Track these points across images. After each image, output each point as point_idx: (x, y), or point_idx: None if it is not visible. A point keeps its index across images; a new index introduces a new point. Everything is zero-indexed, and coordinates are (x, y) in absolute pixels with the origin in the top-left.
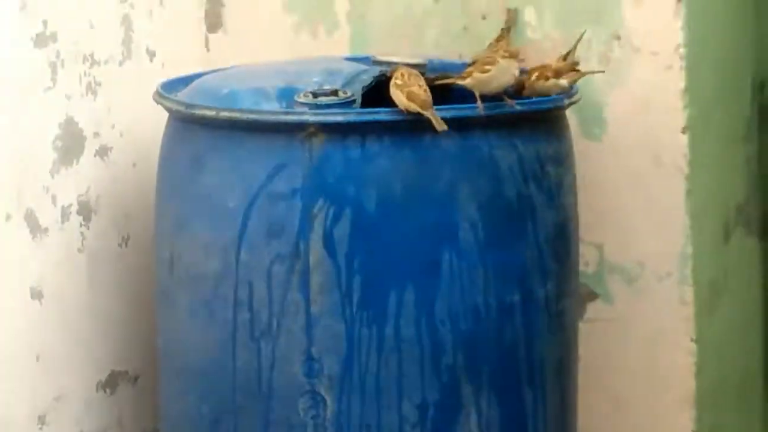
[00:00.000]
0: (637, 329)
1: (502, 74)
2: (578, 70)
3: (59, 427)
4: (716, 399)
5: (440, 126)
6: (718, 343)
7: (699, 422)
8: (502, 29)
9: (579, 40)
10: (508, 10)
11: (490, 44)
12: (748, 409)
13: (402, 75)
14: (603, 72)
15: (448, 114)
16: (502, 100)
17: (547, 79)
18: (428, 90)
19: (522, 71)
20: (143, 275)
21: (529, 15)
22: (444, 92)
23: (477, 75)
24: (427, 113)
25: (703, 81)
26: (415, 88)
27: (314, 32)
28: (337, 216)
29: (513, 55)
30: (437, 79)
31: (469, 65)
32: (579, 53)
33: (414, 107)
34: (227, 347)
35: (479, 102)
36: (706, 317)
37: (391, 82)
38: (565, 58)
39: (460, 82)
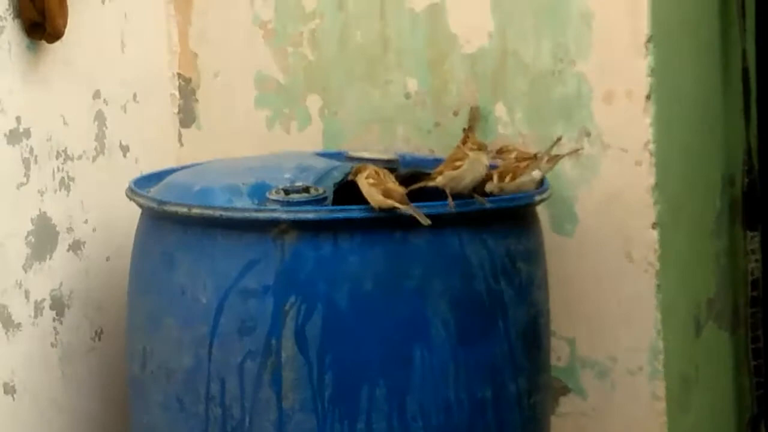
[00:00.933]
0: (610, 424)
1: (473, 168)
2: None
3: None
4: None
5: (424, 220)
6: None
7: None
8: (464, 128)
9: (555, 144)
10: (471, 108)
11: (457, 145)
12: None
13: (376, 173)
14: (581, 149)
15: (428, 209)
16: (472, 196)
17: (513, 179)
18: (400, 185)
19: (492, 166)
20: (116, 369)
21: (499, 111)
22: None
23: (448, 173)
24: (408, 209)
25: (673, 177)
26: (390, 185)
27: (287, 127)
28: (309, 312)
29: (481, 148)
30: (410, 178)
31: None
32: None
33: (391, 203)
34: None
35: (450, 199)
36: (678, 411)
37: (362, 180)
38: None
39: (431, 183)
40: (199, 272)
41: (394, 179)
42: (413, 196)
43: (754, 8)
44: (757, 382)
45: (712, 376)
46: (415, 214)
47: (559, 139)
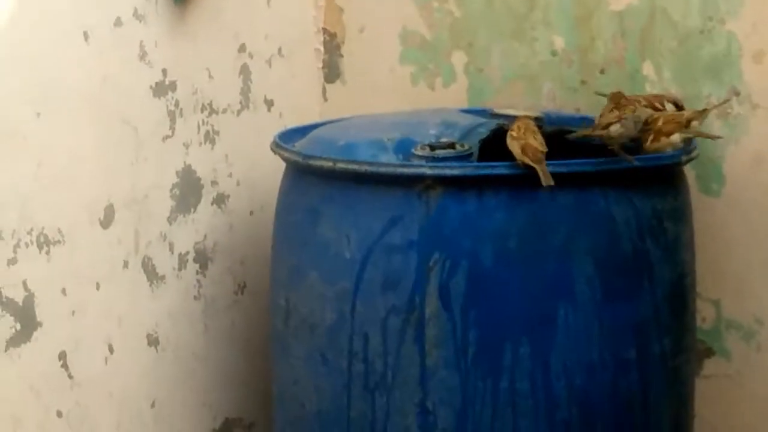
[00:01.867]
0: (754, 387)
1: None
2: (697, 129)
3: None
4: None
5: (547, 181)
6: None
7: None
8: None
9: (708, 111)
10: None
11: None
12: None
13: (519, 127)
14: (721, 137)
15: (566, 169)
16: (618, 155)
17: (668, 136)
18: (544, 143)
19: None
20: (258, 323)
21: (647, 69)
22: (565, 146)
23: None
24: (538, 167)
25: None
26: (531, 140)
27: (431, 84)
28: (453, 269)
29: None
30: (555, 136)
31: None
32: (698, 108)
33: (527, 160)
34: (342, 397)
35: (626, 155)
36: None
37: (509, 134)
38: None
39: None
40: (344, 227)
41: (538, 135)
42: (562, 155)
43: None
44: None
45: None
46: (541, 173)
47: (712, 107)
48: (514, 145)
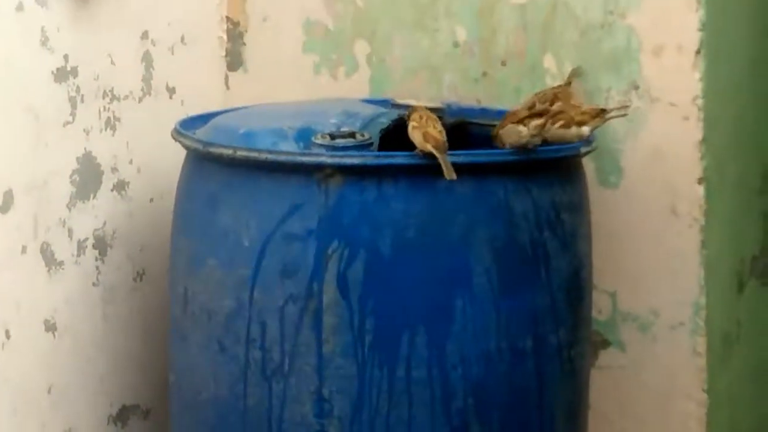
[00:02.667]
0: (649, 378)
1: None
2: (602, 116)
3: None
4: None
5: (449, 174)
6: (730, 393)
7: None
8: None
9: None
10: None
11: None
12: None
13: (419, 117)
14: (626, 114)
15: (465, 159)
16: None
17: (569, 127)
18: (443, 132)
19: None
20: (157, 310)
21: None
22: (462, 137)
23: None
24: (440, 155)
25: (720, 133)
26: (430, 129)
27: (334, 74)
28: (352, 258)
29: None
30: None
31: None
32: (598, 102)
33: (428, 148)
34: (238, 385)
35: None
36: (719, 368)
37: (410, 124)
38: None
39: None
40: (243, 215)
41: (438, 124)
42: (462, 146)
43: None
44: None
45: (753, 334)
46: (443, 164)
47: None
48: (415, 134)
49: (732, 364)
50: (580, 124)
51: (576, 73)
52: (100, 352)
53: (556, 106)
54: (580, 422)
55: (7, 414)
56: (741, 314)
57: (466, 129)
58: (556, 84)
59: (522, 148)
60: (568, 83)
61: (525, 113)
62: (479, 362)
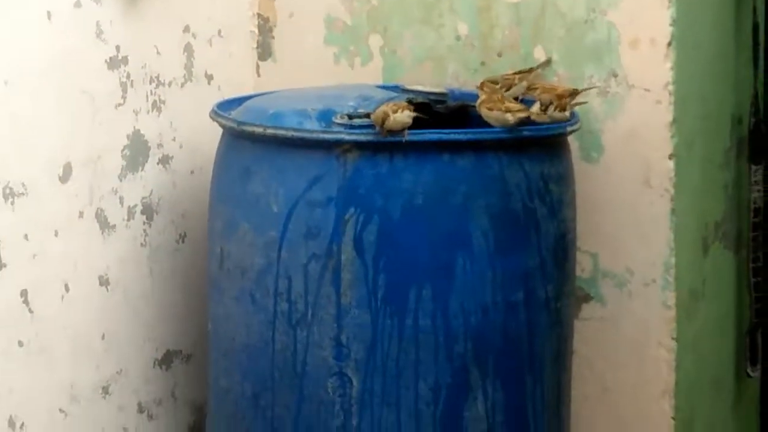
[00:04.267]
0: (625, 328)
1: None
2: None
3: (120, 397)
4: (692, 391)
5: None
6: (695, 342)
7: (677, 410)
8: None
9: (545, 65)
10: (548, 59)
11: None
12: (721, 399)
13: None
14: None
15: (465, 137)
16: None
17: (563, 109)
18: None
19: (528, 101)
20: (197, 267)
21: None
22: (463, 118)
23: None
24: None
25: (689, 115)
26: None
27: (351, 62)
28: (366, 222)
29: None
30: (458, 110)
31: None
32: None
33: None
34: (267, 332)
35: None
36: (686, 319)
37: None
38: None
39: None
40: (272, 184)
41: (407, 107)
42: (462, 125)
43: None
44: (755, 297)
45: (716, 290)
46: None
47: (549, 60)
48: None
49: (697, 316)
50: (562, 108)
51: (546, 64)
52: (147, 303)
53: (539, 93)
54: (565, 366)
55: (67, 357)
56: (705, 273)
57: (466, 111)
58: (543, 71)
59: (509, 127)
60: (535, 69)
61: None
62: (477, 313)
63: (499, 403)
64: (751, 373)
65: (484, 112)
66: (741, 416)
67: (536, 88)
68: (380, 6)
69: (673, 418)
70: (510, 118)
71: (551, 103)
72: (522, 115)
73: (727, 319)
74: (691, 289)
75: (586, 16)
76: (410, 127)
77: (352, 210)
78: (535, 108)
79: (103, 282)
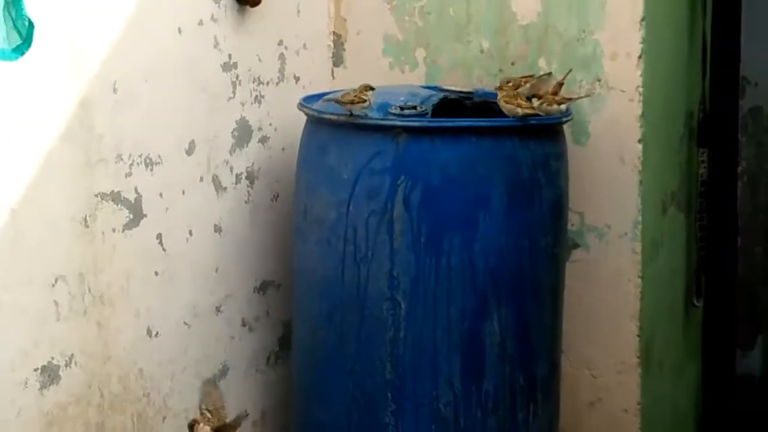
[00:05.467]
0: (603, 268)
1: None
2: (569, 97)
3: (229, 315)
4: (653, 316)
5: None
6: (655, 279)
7: (641, 330)
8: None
9: (566, 75)
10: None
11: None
12: (674, 322)
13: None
14: (589, 96)
15: (487, 123)
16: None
17: (551, 104)
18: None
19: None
20: (286, 219)
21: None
22: (485, 110)
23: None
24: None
25: (654, 110)
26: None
27: (402, 69)
28: (413, 187)
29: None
30: (482, 104)
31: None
32: (573, 91)
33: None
34: (339, 267)
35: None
36: (648, 262)
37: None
38: (560, 84)
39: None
40: (343, 158)
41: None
42: (485, 116)
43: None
44: (699, 246)
45: (671, 241)
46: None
47: (570, 71)
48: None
49: (657, 260)
50: (559, 103)
51: (546, 75)
52: (249, 246)
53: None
54: (559, 296)
55: (190, 284)
56: (664, 228)
57: (488, 105)
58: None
59: (519, 118)
60: (540, 77)
61: (519, 97)
62: (494, 255)
63: (509, 323)
64: (696, 303)
65: (501, 104)
66: (688, 335)
67: (536, 88)
68: (424, 27)
69: (638, 336)
70: (519, 111)
71: (542, 98)
72: (528, 111)
73: (679, 262)
74: (653, 240)
75: (577, 36)
76: (445, 116)
77: (402, 177)
78: (536, 103)
79: (217, 229)
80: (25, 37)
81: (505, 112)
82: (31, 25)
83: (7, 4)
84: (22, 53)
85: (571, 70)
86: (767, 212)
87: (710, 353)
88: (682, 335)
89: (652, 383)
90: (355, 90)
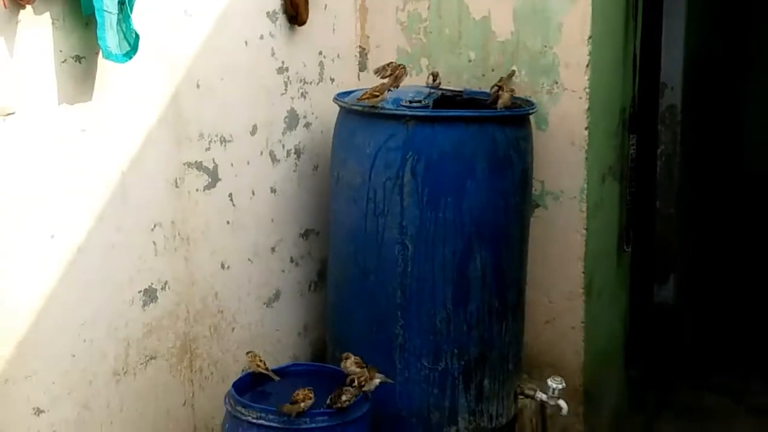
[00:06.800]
0: (558, 223)
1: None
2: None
3: (280, 255)
4: (594, 258)
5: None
6: (597, 231)
7: (585, 269)
8: (502, 77)
9: (511, 75)
10: (512, 71)
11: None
12: (609, 264)
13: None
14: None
15: (473, 114)
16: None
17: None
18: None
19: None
20: (324, 184)
21: (516, 69)
22: (473, 105)
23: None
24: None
25: (597, 105)
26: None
27: (410, 74)
28: (418, 160)
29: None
30: (470, 101)
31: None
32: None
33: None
34: (362, 220)
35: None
36: (592, 219)
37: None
38: (504, 80)
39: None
40: (366, 138)
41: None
42: (474, 108)
43: (641, 21)
44: (628, 208)
45: (609, 203)
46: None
47: (513, 71)
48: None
49: (598, 217)
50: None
51: (512, 75)
52: (296, 202)
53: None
54: (525, 242)
55: (253, 230)
56: (603, 194)
57: (475, 100)
58: (517, 80)
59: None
60: (508, 77)
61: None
62: (478, 211)
63: (488, 261)
64: (626, 249)
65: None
66: (620, 272)
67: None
68: (427, 42)
69: (583, 273)
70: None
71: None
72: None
73: (614, 218)
74: (595, 203)
75: (541, 49)
76: (443, 108)
77: (410, 153)
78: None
79: (273, 191)
80: (132, 45)
81: (503, 105)
82: (137, 36)
83: (119, 21)
84: (131, 57)
85: (514, 70)
86: (678, 183)
87: (635, 286)
88: (615, 272)
89: (592, 308)
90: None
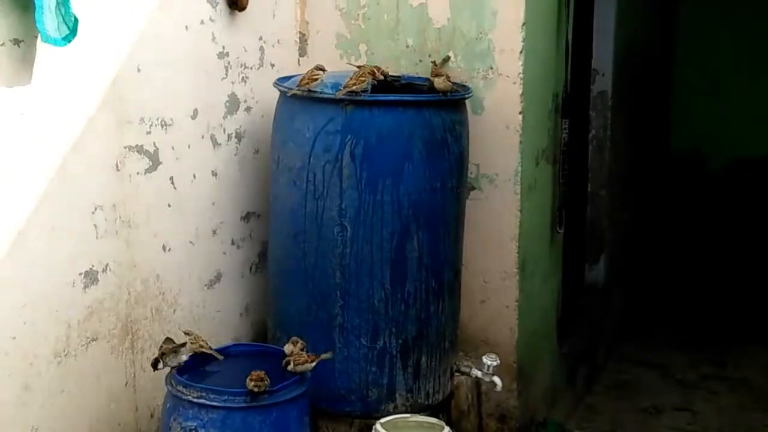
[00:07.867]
0: (493, 205)
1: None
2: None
3: (222, 237)
4: (528, 238)
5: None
6: (531, 212)
7: (519, 248)
8: (435, 62)
9: (445, 60)
10: (447, 56)
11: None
12: (543, 244)
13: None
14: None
15: (411, 98)
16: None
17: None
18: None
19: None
20: (264, 167)
21: (452, 55)
22: (409, 90)
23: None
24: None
25: (531, 90)
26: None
27: (349, 59)
28: (356, 144)
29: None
30: (406, 86)
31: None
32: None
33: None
34: (302, 202)
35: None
36: (525, 200)
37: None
38: (439, 65)
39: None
40: (306, 122)
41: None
42: (410, 92)
43: (573, 9)
44: (561, 190)
45: (542, 186)
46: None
47: (448, 57)
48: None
49: (531, 199)
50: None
51: (446, 60)
52: (237, 186)
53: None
54: (461, 224)
55: (193, 213)
56: (536, 176)
57: (411, 86)
58: (453, 66)
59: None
60: (443, 62)
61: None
62: (415, 193)
63: (425, 242)
64: (559, 230)
65: (437, 83)
66: (552, 253)
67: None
68: (366, 28)
69: (517, 253)
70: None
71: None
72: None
73: (547, 200)
74: (529, 185)
75: (476, 36)
76: (381, 93)
77: (349, 136)
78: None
79: (214, 174)
80: (71, 29)
81: (439, 89)
82: (76, 20)
83: (58, 4)
84: (70, 41)
85: (449, 56)
86: (609, 166)
87: (567, 266)
88: (548, 253)
89: (526, 287)
90: (307, 72)
